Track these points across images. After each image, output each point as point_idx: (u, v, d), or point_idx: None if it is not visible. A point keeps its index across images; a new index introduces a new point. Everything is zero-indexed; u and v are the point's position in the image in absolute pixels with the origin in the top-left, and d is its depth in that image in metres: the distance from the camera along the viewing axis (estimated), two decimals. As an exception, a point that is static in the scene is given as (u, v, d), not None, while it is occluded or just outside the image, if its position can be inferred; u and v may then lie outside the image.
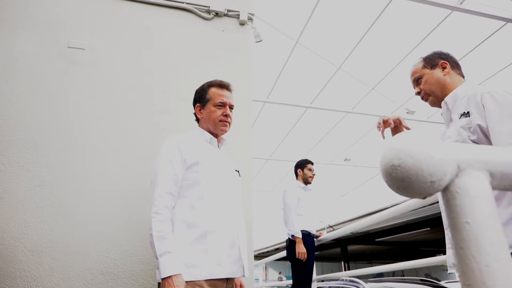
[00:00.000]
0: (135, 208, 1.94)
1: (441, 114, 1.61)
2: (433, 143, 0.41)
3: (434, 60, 1.61)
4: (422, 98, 1.65)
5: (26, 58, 2.05)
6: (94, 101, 2.09)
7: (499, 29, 5.16)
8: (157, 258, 1.35)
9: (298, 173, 4.11)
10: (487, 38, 5.39)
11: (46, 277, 1.72)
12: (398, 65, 6.03)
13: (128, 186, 1.98)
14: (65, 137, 1.97)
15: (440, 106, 1.61)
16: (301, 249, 3.60)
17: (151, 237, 1.38)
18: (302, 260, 3.61)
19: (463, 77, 1.60)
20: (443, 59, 1.60)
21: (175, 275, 1.32)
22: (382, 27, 5.44)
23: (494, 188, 0.42)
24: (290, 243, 3.72)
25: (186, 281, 1.36)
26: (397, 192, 0.42)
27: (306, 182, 4.08)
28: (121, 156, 2.03)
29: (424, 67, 1.62)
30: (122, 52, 2.25)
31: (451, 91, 1.53)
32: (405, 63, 5.81)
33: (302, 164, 4.15)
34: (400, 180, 0.40)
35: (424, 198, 0.42)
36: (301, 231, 3.67)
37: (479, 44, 5.51)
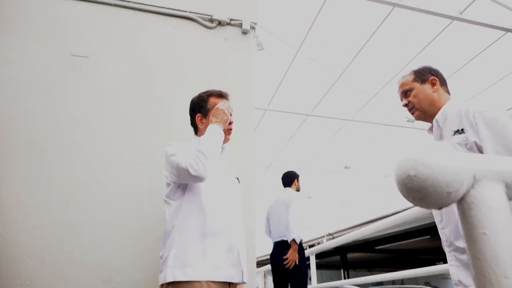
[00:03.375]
0: (139, 214, 1.94)
1: (428, 130, 1.63)
2: (449, 153, 0.41)
3: (425, 75, 1.62)
4: (409, 110, 1.66)
5: (29, 64, 2.05)
6: (98, 107, 2.10)
7: (499, 38, 5.20)
8: (208, 140, 1.50)
9: (295, 183, 4.12)
10: (487, 48, 5.43)
11: (47, 285, 1.71)
12: (398, 73, 6.06)
13: (131, 193, 1.97)
14: (69, 142, 1.97)
15: (425, 120, 1.64)
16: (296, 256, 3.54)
17: (200, 154, 1.44)
18: (297, 265, 3.53)
19: (449, 94, 1.63)
20: (433, 75, 1.62)
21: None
22: (383, 36, 5.47)
23: (510, 198, 0.42)
24: (285, 248, 3.59)
25: (186, 282, 1.36)
26: (412, 202, 0.42)
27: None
28: (125, 163, 2.03)
29: (415, 80, 1.63)
30: (125, 60, 2.26)
31: (438, 108, 1.56)
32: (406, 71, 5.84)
33: (297, 175, 4.21)
34: (416, 190, 0.40)
35: (440, 208, 0.42)
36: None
37: (479, 54, 5.55)
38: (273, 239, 3.91)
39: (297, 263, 3.51)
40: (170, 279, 1.37)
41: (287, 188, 4.09)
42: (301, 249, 3.65)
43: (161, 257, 1.49)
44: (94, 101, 2.11)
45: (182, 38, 2.44)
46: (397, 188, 0.43)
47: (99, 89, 2.14)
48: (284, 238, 3.64)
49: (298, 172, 4.29)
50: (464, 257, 1.37)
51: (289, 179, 4.16)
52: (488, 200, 0.40)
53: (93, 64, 2.17)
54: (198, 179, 1.44)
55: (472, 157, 0.42)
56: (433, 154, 0.40)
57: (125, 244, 1.88)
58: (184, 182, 1.51)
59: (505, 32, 4.98)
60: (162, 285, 1.42)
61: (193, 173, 1.41)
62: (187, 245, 1.43)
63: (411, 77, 1.65)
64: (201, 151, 1.45)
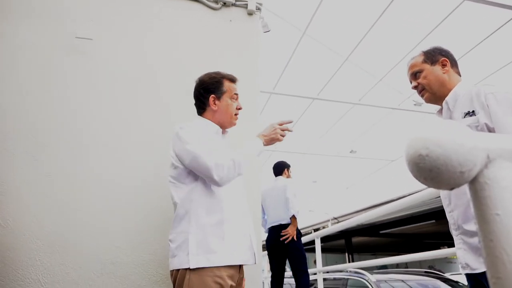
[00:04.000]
0: (144, 199, 1.95)
1: (437, 112, 1.61)
2: (462, 132, 0.40)
3: (435, 56, 1.60)
4: (419, 93, 1.64)
5: (32, 48, 2.04)
6: (100, 90, 2.09)
7: (510, 20, 5.07)
8: (245, 153, 1.56)
9: (285, 172, 4.40)
10: (498, 29, 5.29)
11: (57, 266, 1.74)
12: (406, 56, 5.96)
13: (136, 177, 1.98)
14: (72, 128, 1.98)
15: (435, 103, 1.61)
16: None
17: (234, 162, 1.47)
18: (295, 246, 3.83)
19: (460, 75, 1.60)
20: (444, 56, 1.60)
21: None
22: (390, 18, 5.36)
23: (524, 179, 0.41)
24: (284, 228, 3.85)
25: (207, 269, 1.38)
26: (423, 182, 0.41)
27: None
28: (128, 147, 2.03)
29: (424, 61, 1.61)
30: (128, 42, 2.24)
31: (448, 90, 1.54)
32: (414, 54, 5.74)
33: (287, 165, 4.47)
34: (428, 170, 0.39)
35: (452, 189, 0.41)
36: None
37: (490, 35, 5.41)
38: (268, 225, 4.11)
39: (295, 238, 3.79)
40: (194, 265, 1.38)
41: (279, 177, 4.35)
42: (298, 231, 3.92)
43: (170, 241, 1.49)
44: (96, 86, 2.10)
45: (186, 19, 2.41)
46: (408, 168, 0.42)
47: (100, 72, 2.12)
48: (282, 222, 3.89)
49: (290, 162, 4.57)
50: (472, 240, 1.37)
51: (280, 169, 4.42)
52: (502, 180, 0.38)
53: (96, 46, 2.15)
54: (215, 183, 1.46)
55: (486, 136, 0.41)
56: (446, 132, 0.39)
57: (133, 227, 1.90)
58: (195, 172, 1.50)
59: (517, 12, 4.85)
60: (175, 270, 1.44)
61: (215, 177, 1.42)
62: (208, 231, 1.44)
63: (421, 58, 1.62)
64: (237, 163, 1.48)
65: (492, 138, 0.41)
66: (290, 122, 1.72)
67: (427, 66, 1.59)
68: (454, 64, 1.60)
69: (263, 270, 3.67)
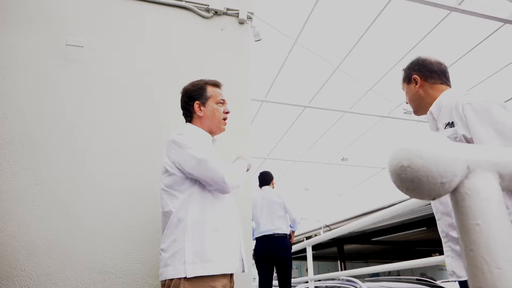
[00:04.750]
0: (135, 207, 1.93)
1: (427, 120, 1.63)
2: (443, 143, 0.40)
3: (409, 74, 1.65)
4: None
5: (24, 55, 2.03)
6: (92, 98, 2.08)
7: (497, 29, 5.18)
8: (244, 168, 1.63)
9: (272, 182, 4.52)
10: (485, 39, 5.41)
11: (44, 276, 1.71)
12: (396, 65, 6.04)
13: (127, 185, 1.97)
14: (64, 135, 1.96)
15: (423, 114, 1.65)
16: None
17: (233, 176, 1.48)
18: (289, 255, 3.99)
19: (444, 83, 1.59)
20: (415, 71, 1.62)
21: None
22: (380, 27, 5.44)
23: (503, 189, 0.41)
24: (273, 241, 3.95)
25: (201, 276, 1.37)
26: (406, 193, 0.42)
27: None
28: (120, 155, 2.02)
29: (403, 81, 1.68)
30: (121, 50, 2.24)
31: (429, 102, 1.56)
32: (403, 63, 5.82)
33: (272, 176, 4.59)
34: (410, 181, 0.39)
35: (433, 199, 0.42)
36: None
37: (477, 45, 5.53)
38: (259, 233, 4.11)
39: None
40: (190, 274, 1.35)
41: (266, 187, 4.40)
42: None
43: (162, 250, 1.46)
44: (88, 93, 2.09)
45: (178, 27, 2.42)
46: (391, 179, 0.42)
47: (92, 79, 2.12)
48: (277, 231, 3.97)
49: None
50: (458, 247, 1.38)
51: (268, 178, 4.50)
52: (482, 191, 0.39)
53: (87, 54, 2.15)
54: (222, 189, 1.47)
55: (466, 147, 0.41)
56: (427, 144, 0.40)
57: (122, 236, 1.88)
58: (199, 179, 1.48)
59: (503, 23, 4.96)
60: (168, 280, 1.41)
61: (227, 182, 1.45)
62: (205, 239, 1.42)
63: (402, 76, 1.70)
64: (240, 173, 1.56)
65: (472, 149, 0.42)
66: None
67: (405, 85, 1.67)
68: (429, 76, 1.59)
69: (254, 278, 3.71)
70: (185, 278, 1.36)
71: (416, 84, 1.60)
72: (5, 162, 1.82)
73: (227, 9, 2.55)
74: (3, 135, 1.86)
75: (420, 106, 1.61)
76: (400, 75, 1.71)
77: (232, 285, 1.53)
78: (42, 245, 1.75)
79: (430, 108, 1.54)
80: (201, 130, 1.65)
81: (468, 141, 1.33)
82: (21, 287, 1.67)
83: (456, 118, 1.38)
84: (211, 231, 1.45)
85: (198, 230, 1.43)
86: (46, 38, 2.10)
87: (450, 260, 1.42)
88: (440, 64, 1.63)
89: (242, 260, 1.56)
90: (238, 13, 2.56)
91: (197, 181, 1.50)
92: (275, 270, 4.07)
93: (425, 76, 1.59)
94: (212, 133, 1.68)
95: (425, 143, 0.40)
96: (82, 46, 2.15)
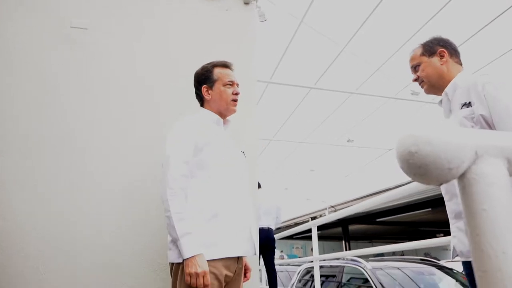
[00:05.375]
0: (141, 196, 1.95)
1: (439, 103, 1.61)
2: (450, 129, 0.40)
3: (433, 48, 1.60)
4: (419, 85, 1.66)
5: (24, 41, 2.01)
6: (95, 84, 2.07)
7: (508, 9, 5.04)
8: (177, 240, 1.35)
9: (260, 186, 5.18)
10: (496, 18, 5.27)
11: (48, 272, 1.75)
12: (403, 45, 5.94)
13: (129, 180, 1.96)
14: (64, 126, 1.94)
15: (435, 94, 1.62)
16: None
17: (169, 219, 1.36)
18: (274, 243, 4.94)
19: (461, 64, 1.59)
20: (442, 46, 1.59)
21: (197, 255, 1.33)
22: (388, 7, 5.32)
23: (511, 174, 0.42)
24: (264, 234, 4.70)
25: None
26: (413, 178, 0.42)
27: None
28: (123, 144, 2.02)
29: (423, 54, 1.62)
30: (124, 32, 2.22)
31: (447, 81, 1.54)
32: (411, 43, 5.71)
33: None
34: (417, 167, 0.40)
35: (440, 184, 0.42)
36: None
37: (489, 23, 5.39)
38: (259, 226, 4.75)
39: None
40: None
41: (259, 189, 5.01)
42: None
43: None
44: (89, 79, 2.08)
45: (182, 8, 2.39)
46: (399, 165, 0.43)
47: (96, 64, 2.11)
48: (270, 226, 4.92)
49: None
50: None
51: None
52: (489, 176, 0.39)
53: (91, 36, 2.13)
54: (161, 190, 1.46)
55: (474, 133, 0.41)
56: (435, 130, 0.40)
57: (128, 230, 1.90)
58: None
59: (515, 1, 4.83)
60: (174, 263, 1.44)
61: (163, 191, 1.42)
62: (202, 224, 1.43)
63: (419, 51, 1.63)
64: (173, 219, 1.36)
65: (480, 135, 0.42)
66: None
67: (425, 59, 1.60)
68: (453, 53, 1.59)
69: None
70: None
71: (442, 58, 1.57)
72: (7, 154, 1.84)
73: (232, -11, 2.50)
74: (3, 125, 1.87)
75: (437, 82, 1.57)
76: (415, 49, 1.65)
77: (241, 266, 1.55)
78: (41, 245, 1.77)
79: (446, 89, 1.52)
80: (211, 114, 1.66)
81: (487, 120, 1.32)
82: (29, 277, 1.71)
83: (474, 98, 1.36)
84: (210, 217, 1.45)
85: (198, 215, 1.44)
86: (46, 22, 2.08)
87: (457, 240, 1.43)
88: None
89: (254, 243, 1.56)
90: (243, -7, 2.52)
91: (195, 169, 1.50)
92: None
93: (451, 53, 1.58)
94: (222, 115, 1.68)
95: (432, 129, 0.40)
96: (86, 28, 2.13)
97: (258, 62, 2.57)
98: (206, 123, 1.62)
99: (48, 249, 1.74)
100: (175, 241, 1.38)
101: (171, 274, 1.48)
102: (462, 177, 0.41)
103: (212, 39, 2.39)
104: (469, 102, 1.38)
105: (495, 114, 1.30)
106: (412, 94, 6.95)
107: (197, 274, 1.30)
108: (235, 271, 1.51)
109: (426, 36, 1.69)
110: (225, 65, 1.70)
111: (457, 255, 1.46)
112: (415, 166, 0.40)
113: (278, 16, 5.60)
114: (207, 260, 1.38)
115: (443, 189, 1.52)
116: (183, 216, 1.37)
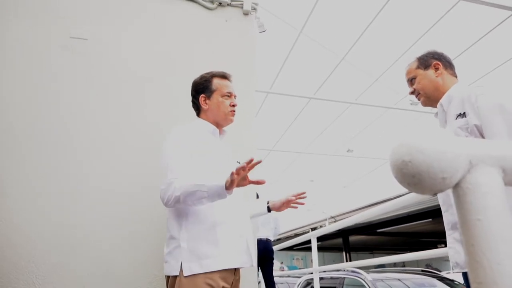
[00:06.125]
0: (142, 200, 1.95)
1: (435, 115, 1.64)
2: (444, 138, 0.40)
3: (428, 61, 1.64)
4: (416, 97, 1.70)
5: (25, 47, 2.03)
6: (96, 92, 2.08)
7: (507, 19, 5.08)
8: (204, 197, 1.37)
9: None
10: (493, 28, 5.31)
11: (51, 266, 1.73)
12: (402, 55, 5.97)
13: (128, 183, 1.97)
14: (66, 129, 1.96)
15: (431, 106, 1.66)
16: None
17: (186, 194, 1.37)
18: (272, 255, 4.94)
19: (456, 77, 1.64)
20: (436, 59, 1.64)
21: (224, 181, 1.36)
22: (386, 18, 5.37)
23: (506, 184, 0.41)
24: (263, 245, 4.70)
25: (199, 274, 1.37)
26: (407, 188, 0.42)
27: None
28: (124, 152, 2.03)
29: (418, 67, 1.66)
30: (124, 42, 2.24)
31: (443, 92, 1.57)
32: (410, 54, 5.75)
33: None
34: (411, 176, 0.39)
35: (435, 194, 0.42)
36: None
37: (485, 35, 5.43)
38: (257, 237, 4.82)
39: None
40: (187, 273, 1.37)
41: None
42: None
43: (166, 244, 1.50)
44: (93, 85, 2.09)
45: (182, 19, 2.41)
46: (392, 174, 0.42)
47: (97, 74, 2.12)
48: (269, 237, 4.91)
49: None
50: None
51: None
52: (484, 186, 0.39)
53: (92, 47, 2.15)
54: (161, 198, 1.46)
55: (469, 142, 0.41)
56: (428, 139, 0.40)
57: (124, 242, 1.89)
58: None
59: (512, 12, 4.87)
60: (170, 276, 1.44)
61: (162, 201, 1.43)
62: (201, 237, 1.43)
63: (415, 64, 1.67)
64: (184, 193, 1.38)
65: (474, 144, 0.41)
66: (248, 164, 1.36)
67: (420, 72, 1.64)
68: (448, 66, 1.63)
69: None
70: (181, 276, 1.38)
71: (437, 70, 1.61)
72: (11, 153, 1.84)
73: (232, 0, 2.53)
74: (8, 126, 1.88)
75: (433, 94, 1.61)
76: (411, 62, 1.70)
77: (237, 277, 1.54)
78: (51, 237, 1.77)
79: (441, 100, 1.56)
80: (207, 124, 1.66)
81: (480, 131, 1.35)
82: (30, 278, 1.69)
83: (468, 108, 1.39)
84: (208, 227, 1.45)
85: (193, 227, 1.44)
86: (47, 31, 2.10)
87: (453, 251, 1.43)
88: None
89: (251, 254, 1.55)
90: (242, 4, 2.54)
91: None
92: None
93: (445, 65, 1.62)
94: (218, 125, 1.68)
95: (426, 138, 0.40)
96: (86, 39, 2.15)
97: (258, 72, 2.58)
98: (201, 133, 1.61)
99: (43, 259, 1.73)
100: (208, 193, 1.37)
101: (167, 287, 1.46)
102: (456, 186, 0.40)
103: (212, 49, 2.40)
104: (464, 113, 1.41)
105: (484, 125, 1.33)
106: (411, 104, 6.96)
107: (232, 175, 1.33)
108: (232, 282, 1.49)
109: (423, 47, 1.72)
110: (224, 76, 1.71)
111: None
112: (409, 175, 0.39)
113: (277, 26, 5.65)
114: (204, 273, 1.37)
115: (440, 200, 1.52)
116: (189, 182, 1.39)
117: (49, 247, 1.76)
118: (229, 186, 1.36)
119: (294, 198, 1.80)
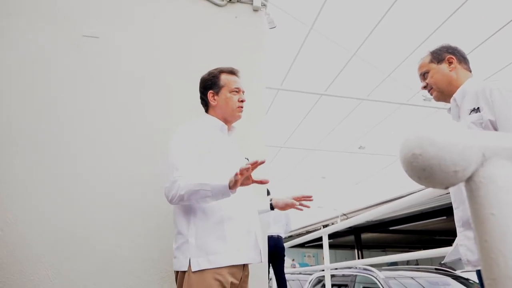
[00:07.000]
0: (152, 195, 1.96)
1: (448, 110, 1.61)
2: (457, 130, 0.39)
3: (441, 55, 1.61)
4: (428, 92, 1.67)
5: (36, 47, 2.05)
6: (106, 90, 2.10)
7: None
8: (210, 190, 1.37)
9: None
10: (508, 23, 5.19)
11: (65, 261, 1.76)
12: (415, 51, 5.88)
13: (144, 174, 1.99)
14: (75, 127, 1.97)
15: (444, 101, 1.63)
16: None
17: (189, 193, 1.38)
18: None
19: (470, 71, 1.60)
20: (450, 53, 1.60)
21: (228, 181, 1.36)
22: (399, 11, 5.29)
23: (521, 178, 0.40)
24: (274, 242, 4.69)
25: (207, 269, 1.38)
26: (418, 182, 0.40)
27: None
28: (134, 145, 2.04)
29: (431, 61, 1.63)
30: (134, 40, 2.25)
31: (456, 87, 1.54)
32: (423, 49, 5.65)
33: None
34: (422, 169, 0.38)
35: (446, 188, 0.40)
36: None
37: (498, 30, 5.31)
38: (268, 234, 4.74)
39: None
40: (195, 268, 1.37)
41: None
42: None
43: (174, 240, 1.50)
44: (103, 83, 2.11)
45: (192, 16, 2.41)
46: (402, 167, 0.41)
47: (107, 71, 2.13)
48: (280, 234, 4.90)
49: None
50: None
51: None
52: (498, 180, 0.38)
53: (103, 45, 2.16)
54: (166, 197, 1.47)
55: (482, 134, 0.40)
56: (440, 131, 0.38)
57: (131, 225, 1.91)
58: None
59: (529, 5, 4.74)
60: (179, 271, 1.45)
61: (167, 195, 1.45)
62: (208, 232, 1.43)
63: (428, 58, 1.64)
64: (188, 192, 1.39)
65: (488, 136, 0.40)
66: (253, 165, 1.34)
67: (433, 66, 1.61)
68: (462, 60, 1.60)
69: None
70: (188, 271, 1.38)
71: (451, 64, 1.58)
72: (21, 151, 1.86)
73: (241, -3, 2.52)
74: (17, 126, 1.91)
75: (446, 88, 1.58)
76: (424, 56, 1.66)
77: (246, 273, 1.54)
78: (61, 232, 1.79)
79: (454, 95, 1.53)
80: (215, 120, 1.65)
81: (495, 126, 1.32)
82: (44, 271, 1.72)
83: (482, 103, 1.37)
84: (215, 222, 1.45)
85: (200, 223, 1.44)
86: (58, 30, 2.12)
87: (465, 249, 1.40)
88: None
89: (260, 249, 1.54)
90: (252, 1, 2.53)
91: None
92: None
93: (459, 60, 1.59)
94: (227, 121, 1.68)
95: (438, 130, 0.38)
96: (98, 37, 2.17)
97: (268, 69, 2.57)
98: (209, 130, 1.61)
99: (53, 254, 1.75)
100: (212, 191, 1.38)
101: (176, 282, 1.47)
102: (469, 180, 0.39)
103: (222, 46, 2.40)
104: (478, 108, 1.38)
105: (498, 119, 1.31)
106: (424, 100, 6.86)
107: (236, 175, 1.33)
108: (241, 278, 1.49)
109: (436, 42, 1.69)
110: (232, 72, 1.70)
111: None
112: (419, 169, 0.38)
113: (287, 23, 5.62)
114: (212, 268, 1.38)
115: (452, 196, 1.49)
116: (193, 181, 1.39)
117: (58, 245, 1.78)
118: (232, 186, 1.36)
119: (297, 203, 1.79)
